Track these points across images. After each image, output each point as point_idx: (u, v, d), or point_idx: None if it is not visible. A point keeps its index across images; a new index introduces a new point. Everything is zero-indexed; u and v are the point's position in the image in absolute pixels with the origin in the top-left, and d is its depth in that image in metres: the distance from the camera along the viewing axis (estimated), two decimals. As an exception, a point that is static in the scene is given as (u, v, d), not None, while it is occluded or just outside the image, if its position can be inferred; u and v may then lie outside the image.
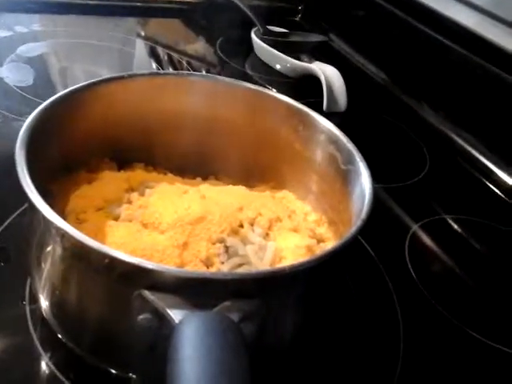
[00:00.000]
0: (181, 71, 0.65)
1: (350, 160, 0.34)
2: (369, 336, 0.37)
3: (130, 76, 0.37)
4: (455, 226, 0.51)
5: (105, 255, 0.23)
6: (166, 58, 0.71)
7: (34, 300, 0.33)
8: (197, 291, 0.23)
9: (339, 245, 0.27)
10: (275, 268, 0.30)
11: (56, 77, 0.60)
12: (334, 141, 0.35)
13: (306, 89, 0.64)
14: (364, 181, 0.31)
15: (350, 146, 0.34)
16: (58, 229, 0.24)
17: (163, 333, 0.23)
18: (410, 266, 0.43)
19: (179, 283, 0.23)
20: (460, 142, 0.62)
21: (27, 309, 0.33)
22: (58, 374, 0.30)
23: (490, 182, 0.58)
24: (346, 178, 0.34)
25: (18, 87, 0.54)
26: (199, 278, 0.24)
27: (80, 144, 0.35)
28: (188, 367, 0.17)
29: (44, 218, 0.25)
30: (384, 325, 0.38)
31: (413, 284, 0.42)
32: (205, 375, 0.17)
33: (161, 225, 0.32)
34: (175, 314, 0.22)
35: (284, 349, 0.30)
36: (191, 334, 0.19)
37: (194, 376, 0.17)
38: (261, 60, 0.73)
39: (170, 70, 0.66)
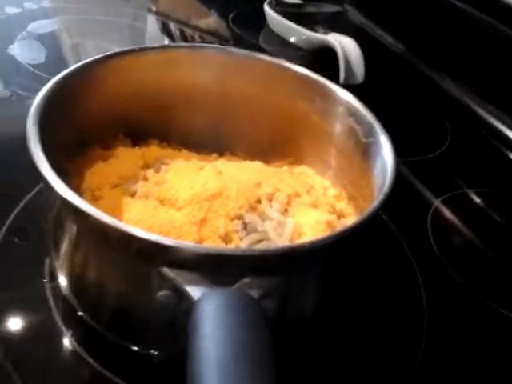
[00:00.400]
0: (193, 44, 0.63)
1: (370, 132, 0.33)
2: (392, 311, 0.36)
3: (142, 49, 0.37)
4: (478, 200, 0.49)
5: (122, 232, 0.23)
6: (178, 33, 0.69)
7: (54, 278, 0.33)
8: (216, 268, 0.23)
9: (361, 220, 0.26)
10: (295, 244, 0.30)
11: (68, 53, 0.59)
12: (353, 113, 0.34)
13: (322, 61, 0.62)
14: (386, 154, 0.30)
15: (371, 117, 0.33)
16: (74, 207, 0.24)
17: (183, 309, 0.23)
18: (432, 241, 0.43)
19: (198, 260, 0.23)
20: (482, 113, 0.60)
21: (47, 286, 0.33)
22: (79, 350, 0.30)
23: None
24: (366, 151, 0.33)
25: (29, 65, 0.54)
26: (218, 254, 0.23)
27: (93, 120, 0.35)
28: (208, 345, 0.17)
29: (59, 196, 0.24)
30: (407, 300, 0.37)
31: (435, 259, 0.41)
32: (225, 353, 0.16)
33: (177, 201, 0.31)
34: (194, 291, 0.22)
35: (304, 325, 0.29)
36: (211, 311, 0.19)
37: (215, 354, 0.16)
38: (275, 33, 0.71)
39: (183, 43, 0.64)
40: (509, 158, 0.56)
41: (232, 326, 0.18)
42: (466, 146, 0.57)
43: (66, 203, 0.24)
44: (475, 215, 0.47)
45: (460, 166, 0.53)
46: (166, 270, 0.23)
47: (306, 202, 0.34)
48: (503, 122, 0.58)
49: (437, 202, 0.47)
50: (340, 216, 0.35)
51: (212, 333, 0.17)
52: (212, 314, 0.18)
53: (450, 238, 0.45)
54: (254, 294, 0.22)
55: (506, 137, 0.57)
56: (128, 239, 0.23)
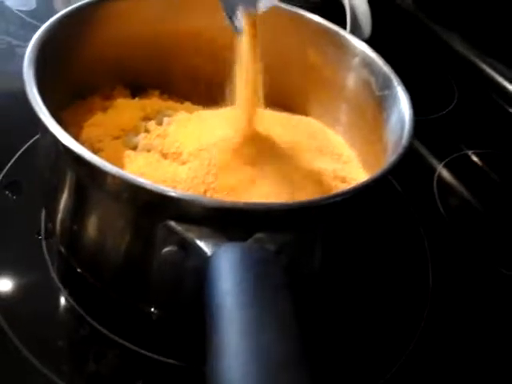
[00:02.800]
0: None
1: (386, 85, 0.31)
2: (398, 270, 0.36)
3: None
4: (483, 161, 0.48)
5: (130, 183, 0.21)
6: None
7: (51, 233, 0.32)
8: (228, 222, 0.22)
9: (379, 173, 0.24)
10: (307, 200, 0.28)
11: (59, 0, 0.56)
12: (367, 64, 0.32)
13: (327, 14, 0.59)
14: (403, 106, 0.29)
15: (387, 69, 0.31)
16: (76, 154, 0.22)
17: (191, 266, 0.22)
18: (438, 202, 0.42)
19: (210, 214, 0.22)
20: (490, 71, 0.58)
21: (43, 243, 0.32)
22: (77, 308, 0.30)
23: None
24: (380, 105, 0.31)
25: (20, 11, 0.51)
26: (231, 207, 0.22)
27: (91, 67, 0.33)
28: (229, 303, 0.15)
29: (60, 142, 0.22)
30: (413, 258, 0.37)
31: (441, 220, 0.41)
32: (248, 311, 0.15)
33: (182, 155, 0.30)
34: (207, 246, 0.20)
35: (313, 281, 0.29)
36: (228, 266, 0.17)
37: (238, 313, 0.15)
38: (278, -16, 0.67)
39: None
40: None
41: (252, 281, 0.16)
42: (473, 106, 0.55)
43: (66, 150, 0.22)
44: (481, 177, 0.47)
45: (467, 126, 0.52)
46: (173, 225, 0.22)
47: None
48: (511, 82, 0.56)
49: (443, 164, 0.46)
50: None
51: (233, 289, 0.16)
52: (230, 269, 0.17)
53: (455, 199, 0.44)
54: (271, 248, 0.21)
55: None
56: (134, 190, 0.22)
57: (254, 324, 0.15)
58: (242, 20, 0.28)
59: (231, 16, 0.28)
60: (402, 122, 0.28)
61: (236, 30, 0.28)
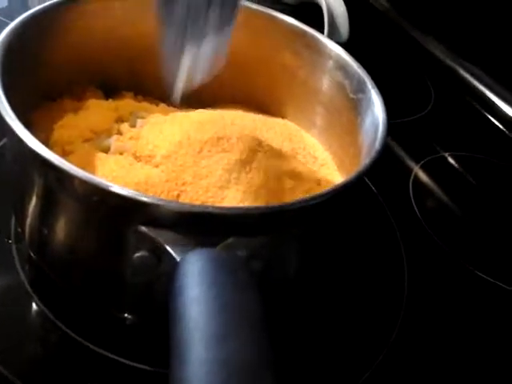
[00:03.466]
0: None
1: (360, 88, 0.31)
2: (373, 273, 0.36)
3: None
4: (460, 164, 0.49)
5: (97, 187, 0.21)
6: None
7: (20, 238, 0.31)
8: (199, 227, 0.21)
9: (352, 177, 0.24)
10: (280, 203, 0.28)
11: (32, -1, 0.55)
12: (342, 66, 0.32)
13: (306, 16, 0.59)
14: (377, 110, 0.29)
15: (361, 72, 0.31)
16: (44, 159, 0.22)
17: (162, 271, 0.21)
18: (413, 204, 0.42)
19: (180, 218, 0.21)
20: (466, 75, 0.59)
21: (13, 247, 0.32)
22: (48, 313, 0.29)
23: (495, 118, 0.55)
24: (354, 108, 0.32)
25: (-10, 9, 0.50)
26: (201, 212, 0.22)
27: (60, 68, 0.32)
28: (196, 310, 0.15)
29: (27, 147, 0.22)
30: (388, 260, 0.37)
31: (416, 221, 0.41)
32: (215, 320, 0.15)
33: (155, 158, 0.29)
34: (176, 251, 0.20)
35: (287, 286, 0.29)
36: (196, 272, 0.17)
37: (204, 321, 0.15)
38: (257, -15, 0.67)
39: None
40: (491, 120, 0.55)
41: (220, 288, 0.16)
42: (449, 109, 0.56)
43: (34, 156, 0.22)
44: (456, 178, 0.47)
45: (443, 129, 0.53)
46: (144, 229, 0.22)
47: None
48: (486, 84, 0.57)
49: (419, 166, 0.47)
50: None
51: (199, 296, 0.16)
52: (198, 275, 0.17)
53: (431, 200, 0.44)
54: (241, 254, 0.20)
55: (490, 100, 0.57)
56: (104, 195, 0.21)
57: (220, 332, 0.14)
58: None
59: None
60: (376, 125, 0.28)
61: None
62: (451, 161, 0.49)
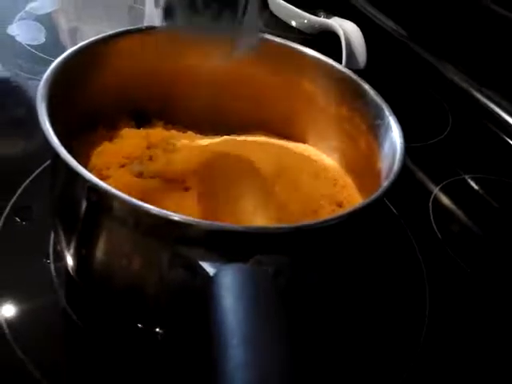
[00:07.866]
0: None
1: (378, 114, 0.32)
2: (395, 293, 0.37)
3: (148, 28, 0.36)
4: (479, 185, 0.50)
5: (136, 208, 0.23)
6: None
7: (59, 258, 0.33)
8: (228, 244, 0.23)
9: (374, 197, 0.26)
10: (304, 223, 0.30)
11: (67, 35, 0.58)
12: (360, 95, 0.34)
13: (324, 46, 0.61)
14: (394, 135, 0.30)
15: (379, 99, 0.33)
16: (86, 181, 0.24)
17: (196, 286, 0.23)
18: (434, 226, 0.43)
19: (211, 236, 0.23)
20: (483, 99, 0.60)
21: (52, 267, 0.33)
22: (86, 331, 0.30)
23: None
24: (373, 133, 0.33)
25: (29, 45, 0.53)
26: (230, 230, 0.23)
27: (97, 100, 0.34)
28: (231, 319, 0.17)
29: (71, 170, 0.24)
30: (410, 282, 0.38)
31: (438, 243, 0.41)
32: (249, 327, 0.16)
33: (185, 182, 0.31)
34: (209, 267, 0.22)
35: (311, 302, 0.30)
36: (230, 285, 0.19)
37: (239, 328, 0.16)
38: (276, 17, 0.70)
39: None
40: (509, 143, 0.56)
41: (252, 300, 0.18)
42: (467, 132, 0.57)
43: (76, 177, 0.24)
44: (477, 201, 0.48)
45: (462, 152, 0.53)
46: (178, 247, 0.23)
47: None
48: (503, 109, 0.58)
49: (438, 188, 0.47)
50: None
51: (234, 306, 0.17)
52: (231, 288, 0.18)
53: (451, 223, 0.45)
54: (268, 269, 0.22)
55: (506, 123, 0.57)
56: (141, 215, 0.23)
57: (256, 341, 0.16)
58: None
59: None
60: (394, 149, 0.30)
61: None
62: (470, 182, 0.50)
